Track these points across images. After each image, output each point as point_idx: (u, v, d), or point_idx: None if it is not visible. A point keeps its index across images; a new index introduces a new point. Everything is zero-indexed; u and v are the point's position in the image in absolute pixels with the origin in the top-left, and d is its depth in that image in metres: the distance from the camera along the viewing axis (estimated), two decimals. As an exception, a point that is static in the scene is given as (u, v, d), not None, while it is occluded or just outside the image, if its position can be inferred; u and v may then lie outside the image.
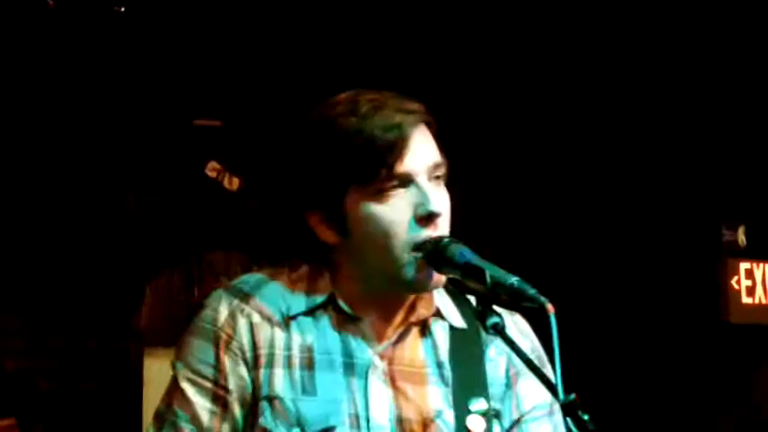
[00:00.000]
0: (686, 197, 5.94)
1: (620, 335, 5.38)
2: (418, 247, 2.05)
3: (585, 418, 1.83)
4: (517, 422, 2.19)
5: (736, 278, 5.77)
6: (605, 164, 5.87)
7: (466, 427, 2.12)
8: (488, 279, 1.96)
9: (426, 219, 2.03)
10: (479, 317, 2.05)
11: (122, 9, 4.68)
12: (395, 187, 2.04)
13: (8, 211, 5.48)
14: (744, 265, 5.78)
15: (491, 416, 2.16)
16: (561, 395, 1.88)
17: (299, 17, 4.99)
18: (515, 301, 1.97)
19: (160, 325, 5.48)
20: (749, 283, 5.74)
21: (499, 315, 2.03)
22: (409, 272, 2.06)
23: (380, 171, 2.03)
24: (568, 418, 1.85)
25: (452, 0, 5.01)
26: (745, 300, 5.69)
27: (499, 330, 2.00)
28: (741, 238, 5.66)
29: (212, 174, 5.19)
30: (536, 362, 2.10)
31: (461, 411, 2.14)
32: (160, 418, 2.15)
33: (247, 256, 5.33)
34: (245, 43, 5.10)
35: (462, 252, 2.02)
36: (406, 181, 2.04)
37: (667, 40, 5.23)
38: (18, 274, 5.57)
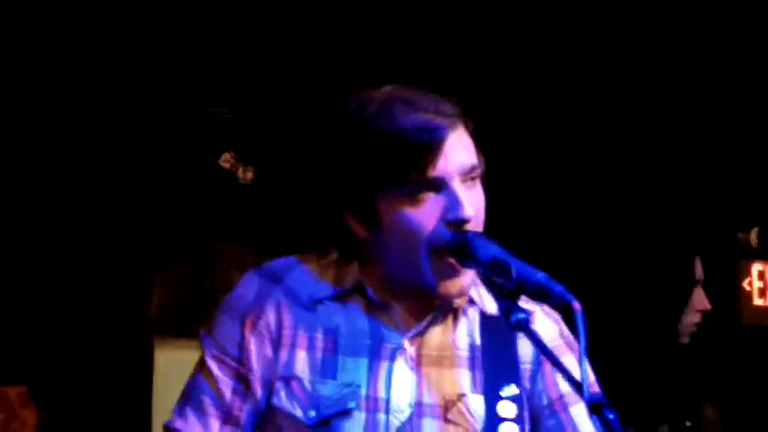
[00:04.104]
0: (701, 199, 5.91)
1: (630, 335, 5.37)
2: (445, 246, 2.09)
3: (611, 417, 1.84)
4: (558, 400, 2.24)
5: (748, 279, 5.73)
6: (619, 164, 5.82)
7: (497, 413, 2.16)
8: (514, 274, 1.97)
9: (457, 224, 2.06)
10: (504, 312, 2.05)
11: None
12: (427, 191, 2.07)
13: (18, 199, 5.44)
14: (756, 267, 5.72)
15: (522, 401, 2.18)
16: (586, 391, 1.88)
17: (317, 10, 4.89)
18: (541, 298, 1.99)
19: (170, 314, 5.50)
20: (761, 284, 5.71)
21: (524, 311, 2.04)
22: (434, 276, 2.10)
23: (412, 175, 2.05)
24: (595, 414, 1.87)
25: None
26: (757, 301, 5.68)
27: (524, 327, 2.01)
28: (754, 239, 5.64)
29: (226, 165, 5.14)
30: (565, 347, 2.20)
31: (493, 397, 2.18)
32: (187, 391, 2.23)
33: (258, 248, 5.28)
34: (264, 37, 5.01)
35: (488, 247, 2.04)
36: (439, 185, 2.06)
37: (684, 42, 5.20)
38: (28, 261, 5.51)
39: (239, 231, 5.44)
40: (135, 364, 5.51)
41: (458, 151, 2.09)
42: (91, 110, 5.33)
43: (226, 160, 5.04)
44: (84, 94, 5.27)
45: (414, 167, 2.06)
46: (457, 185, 2.08)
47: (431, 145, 2.05)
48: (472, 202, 2.09)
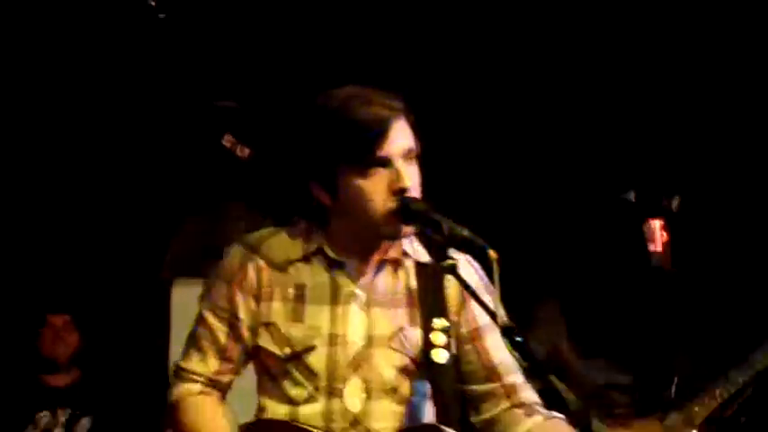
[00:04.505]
0: (633, 166, 6.09)
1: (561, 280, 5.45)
2: (390, 209, 2.35)
3: (519, 339, 2.12)
4: (476, 330, 2.52)
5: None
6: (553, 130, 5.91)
7: (430, 341, 2.45)
8: (445, 230, 2.27)
9: (399, 192, 2.36)
10: (436, 260, 2.38)
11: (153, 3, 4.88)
12: (376, 167, 2.36)
13: (50, 159, 5.82)
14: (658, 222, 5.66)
15: (449, 331, 2.46)
16: (499, 320, 2.16)
17: (300, 18, 5.37)
18: (466, 249, 2.30)
19: (185, 258, 5.86)
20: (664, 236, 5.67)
21: (452, 258, 2.30)
22: (384, 227, 2.38)
23: (365, 155, 2.35)
24: (506, 338, 2.13)
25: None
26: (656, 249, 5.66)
27: (452, 271, 2.30)
28: (675, 205, 5.74)
29: (227, 144, 5.35)
30: (483, 289, 2.42)
31: (427, 328, 2.47)
32: (190, 339, 2.54)
33: (255, 207, 5.51)
34: (261, 39, 5.49)
35: (424, 208, 2.34)
36: (385, 163, 2.36)
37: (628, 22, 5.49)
38: (73, 217, 5.93)
39: (241, 194, 5.75)
40: (156, 298, 5.79)
41: (400, 137, 2.38)
42: (122, 95, 5.70)
43: (227, 140, 5.28)
44: (108, 78, 5.62)
45: (366, 149, 2.35)
46: (399, 163, 2.37)
47: (379, 132, 2.34)
48: (411, 177, 2.37)
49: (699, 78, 5.88)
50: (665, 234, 5.66)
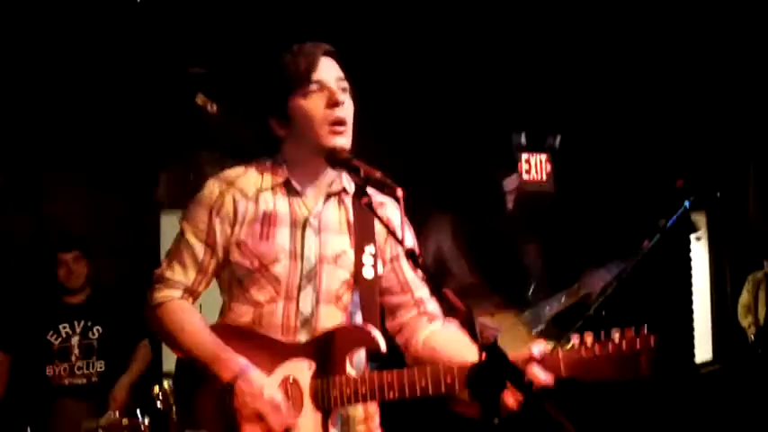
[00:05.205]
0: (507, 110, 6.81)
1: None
2: (326, 151, 2.50)
3: (421, 264, 2.24)
4: (395, 255, 2.72)
5: (519, 163, 6.86)
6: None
7: (362, 261, 2.62)
8: (362, 173, 2.41)
9: (333, 105, 2.52)
10: (357, 196, 2.53)
11: None
12: (313, 91, 2.54)
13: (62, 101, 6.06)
14: (524, 156, 6.88)
15: (376, 255, 2.64)
16: (404, 245, 2.35)
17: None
18: (379, 188, 2.43)
19: (172, 195, 6.36)
20: (527, 167, 6.89)
21: (369, 195, 2.45)
22: (324, 139, 2.52)
23: (303, 80, 2.54)
24: (410, 259, 2.28)
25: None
26: (525, 176, 6.87)
27: (368, 206, 2.44)
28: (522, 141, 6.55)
29: (200, 101, 5.94)
30: (403, 224, 2.53)
31: (359, 251, 2.63)
32: (172, 252, 2.66)
33: (226, 152, 5.62)
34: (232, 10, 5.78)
35: (346, 157, 2.49)
36: (321, 85, 2.54)
37: None
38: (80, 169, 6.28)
39: (213, 142, 6.20)
40: (148, 225, 6.40)
41: (330, 67, 2.57)
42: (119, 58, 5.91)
43: (200, 98, 5.84)
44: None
45: (303, 75, 2.54)
46: (332, 85, 2.55)
47: (312, 62, 2.54)
48: (344, 104, 2.54)
49: (585, 22, 6.34)
50: (548, 166, 6.47)
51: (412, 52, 6.25)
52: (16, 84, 6.04)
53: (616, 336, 2.40)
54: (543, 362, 2.41)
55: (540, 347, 2.42)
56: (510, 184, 5.96)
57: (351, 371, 2.53)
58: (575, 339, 2.43)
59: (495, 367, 1.98)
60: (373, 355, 2.62)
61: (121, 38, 5.82)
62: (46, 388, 5.59)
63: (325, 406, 2.51)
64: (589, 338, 2.42)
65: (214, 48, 5.94)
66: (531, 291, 5.13)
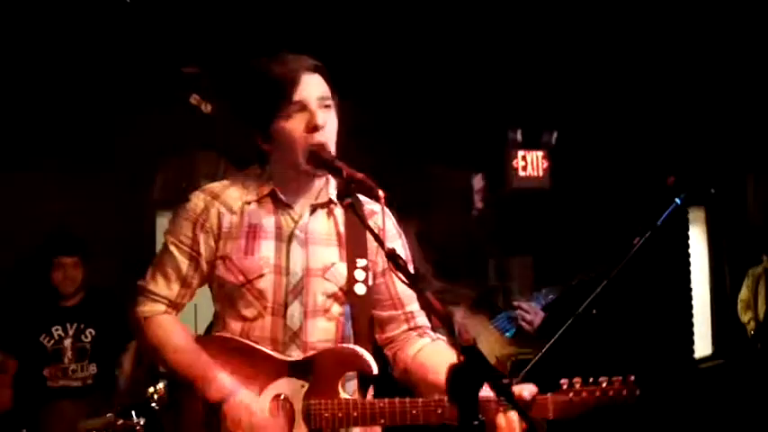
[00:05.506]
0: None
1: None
2: (309, 151, 2.49)
3: (406, 269, 2.23)
4: (386, 268, 2.71)
5: (515, 160, 6.91)
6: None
7: (354, 276, 2.60)
8: (344, 175, 2.41)
9: (312, 129, 2.50)
10: (340, 200, 2.54)
11: None
12: (295, 111, 2.51)
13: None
14: (520, 153, 6.93)
15: (368, 269, 2.62)
16: (384, 247, 2.30)
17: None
18: (361, 190, 2.40)
19: (166, 196, 6.35)
20: (523, 163, 6.92)
21: (353, 197, 2.47)
22: (304, 162, 2.52)
23: (283, 101, 2.51)
24: (395, 266, 2.23)
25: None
26: (521, 173, 6.94)
27: (352, 209, 2.46)
28: (519, 137, 6.53)
29: (194, 101, 5.93)
30: (396, 235, 2.63)
31: (351, 264, 2.61)
32: (155, 264, 2.65)
33: (222, 155, 6.05)
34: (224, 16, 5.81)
35: (329, 158, 2.49)
36: (302, 106, 2.51)
37: None
38: (80, 171, 6.16)
39: (208, 141, 6.28)
40: (143, 225, 6.36)
41: (312, 86, 2.52)
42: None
43: (194, 98, 5.83)
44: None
45: (283, 96, 2.50)
46: (314, 107, 2.51)
47: (293, 82, 2.49)
48: (326, 122, 2.51)
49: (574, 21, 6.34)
50: (545, 162, 6.41)
51: (411, 52, 6.27)
52: (12, 84, 6.02)
53: (603, 383, 2.54)
54: (532, 404, 2.47)
55: (530, 389, 2.48)
56: (477, 183, 5.55)
57: (343, 394, 2.55)
58: (563, 382, 2.52)
59: (474, 368, 1.96)
60: (364, 378, 2.64)
61: (116, 37, 5.84)
62: (41, 390, 5.57)
63: (316, 427, 2.52)
64: (577, 383, 2.53)
65: (207, 47, 5.97)
66: (501, 296, 5.04)
